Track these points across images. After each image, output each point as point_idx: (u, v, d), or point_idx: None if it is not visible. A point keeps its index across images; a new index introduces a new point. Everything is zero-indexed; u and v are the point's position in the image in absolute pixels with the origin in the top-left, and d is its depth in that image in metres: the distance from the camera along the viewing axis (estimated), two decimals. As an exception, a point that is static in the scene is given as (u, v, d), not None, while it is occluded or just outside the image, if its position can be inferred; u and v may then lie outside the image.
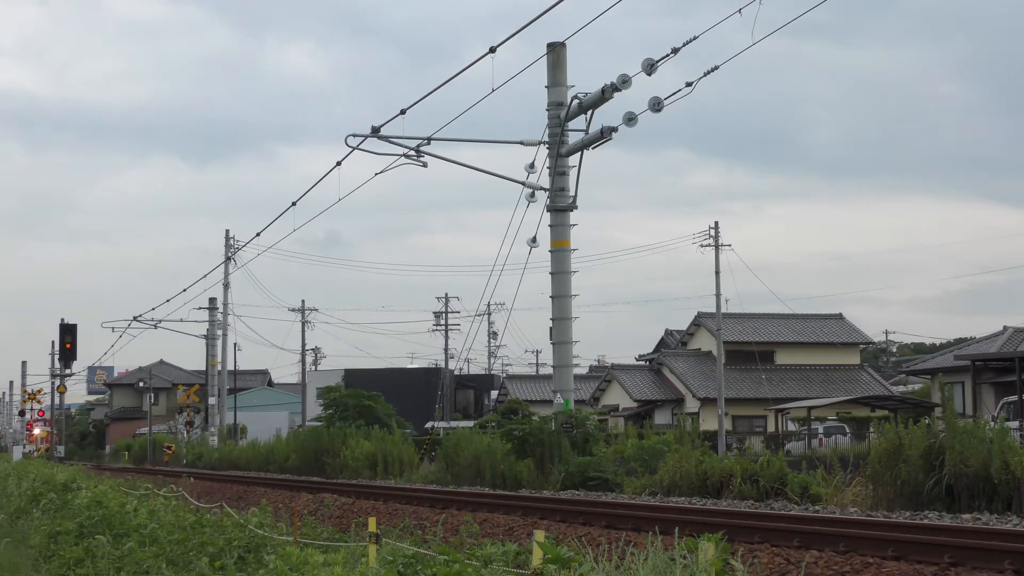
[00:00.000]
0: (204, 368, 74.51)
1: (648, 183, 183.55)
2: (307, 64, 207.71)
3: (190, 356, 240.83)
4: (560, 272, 29.77)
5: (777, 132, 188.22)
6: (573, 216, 29.71)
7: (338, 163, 32.55)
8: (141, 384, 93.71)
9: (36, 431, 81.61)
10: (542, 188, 29.76)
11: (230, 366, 71.70)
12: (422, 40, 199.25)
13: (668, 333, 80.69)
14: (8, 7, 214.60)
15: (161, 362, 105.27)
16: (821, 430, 55.84)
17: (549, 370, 59.52)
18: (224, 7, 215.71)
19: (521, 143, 30.69)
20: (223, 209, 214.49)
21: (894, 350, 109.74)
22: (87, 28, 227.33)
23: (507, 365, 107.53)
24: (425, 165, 30.91)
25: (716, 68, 24.69)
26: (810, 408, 56.66)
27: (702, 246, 60.35)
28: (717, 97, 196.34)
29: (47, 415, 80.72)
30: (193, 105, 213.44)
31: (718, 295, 60.50)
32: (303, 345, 79.84)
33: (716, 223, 60.41)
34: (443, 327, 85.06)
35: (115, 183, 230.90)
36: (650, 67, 24.91)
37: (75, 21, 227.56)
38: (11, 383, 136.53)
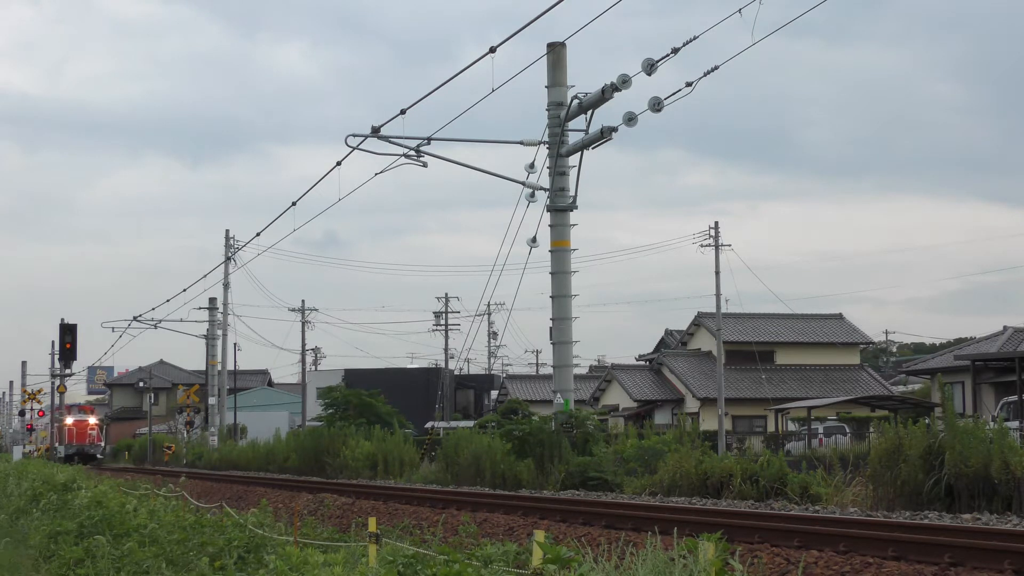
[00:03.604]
0: (204, 368, 74.50)
1: (644, 183, 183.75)
2: (300, 63, 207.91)
3: (190, 356, 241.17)
4: (560, 272, 29.77)
5: (774, 132, 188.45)
6: (573, 216, 29.74)
7: (338, 163, 32.53)
8: (141, 384, 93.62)
9: (92, 419, 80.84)
10: (542, 188, 29.76)
11: (230, 366, 71.68)
12: (416, 40, 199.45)
13: (668, 333, 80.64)
14: (1, 7, 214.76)
15: (161, 362, 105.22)
16: (821, 430, 55.82)
17: (549, 370, 59.51)
18: (217, 6, 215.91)
19: (521, 143, 30.69)
20: (218, 209, 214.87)
21: (894, 350, 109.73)
22: (80, 28, 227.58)
23: (507, 365, 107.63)
24: (425, 165, 30.91)
25: (716, 68, 24.71)
26: (810, 408, 56.64)
27: (702, 246, 60.36)
28: (714, 97, 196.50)
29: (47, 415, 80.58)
30: (186, 105, 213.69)
31: (718, 295, 60.51)
32: (303, 345, 79.88)
33: (716, 223, 60.42)
34: (443, 327, 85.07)
35: (111, 183, 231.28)
36: (650, 67, 24.92)
37: (68, 21, 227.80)
38: (11, 383, 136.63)
